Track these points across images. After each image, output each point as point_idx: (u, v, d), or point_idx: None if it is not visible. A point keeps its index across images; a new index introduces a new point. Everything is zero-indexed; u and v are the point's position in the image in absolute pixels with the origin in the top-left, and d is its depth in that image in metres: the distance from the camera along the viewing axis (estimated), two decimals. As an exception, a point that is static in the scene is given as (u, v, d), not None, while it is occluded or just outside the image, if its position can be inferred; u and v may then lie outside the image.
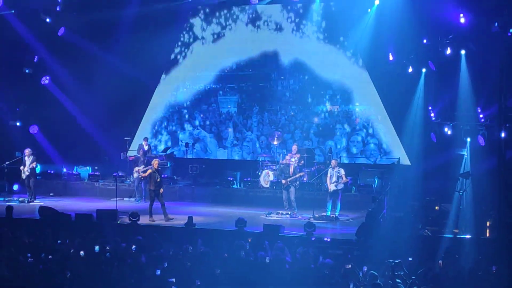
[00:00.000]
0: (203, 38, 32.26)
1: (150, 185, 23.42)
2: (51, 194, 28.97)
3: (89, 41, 30.88)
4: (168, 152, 30.71)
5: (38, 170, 28.30)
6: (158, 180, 23.31)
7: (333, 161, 24.57)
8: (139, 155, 28.77)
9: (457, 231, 20.76)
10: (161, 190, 23.47)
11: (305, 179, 26.32)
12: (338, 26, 29.98)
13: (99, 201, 26.90)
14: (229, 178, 28.48)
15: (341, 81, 30.34)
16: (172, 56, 32.61)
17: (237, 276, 14.82)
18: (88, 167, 30.48)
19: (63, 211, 22.84)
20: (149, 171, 23.40)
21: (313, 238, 20.11)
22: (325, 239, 20.23)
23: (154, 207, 23.45)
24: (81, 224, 21.44)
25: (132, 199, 27.33)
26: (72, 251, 17.21)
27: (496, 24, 23.02)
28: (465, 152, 24.27)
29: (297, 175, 24.73)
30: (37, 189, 27.64)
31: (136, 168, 27.13)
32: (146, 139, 29.85)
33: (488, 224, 21.14)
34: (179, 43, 32.55)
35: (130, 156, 29.03)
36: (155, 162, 23.55)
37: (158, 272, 15.14)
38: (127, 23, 30.56)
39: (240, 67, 31.75)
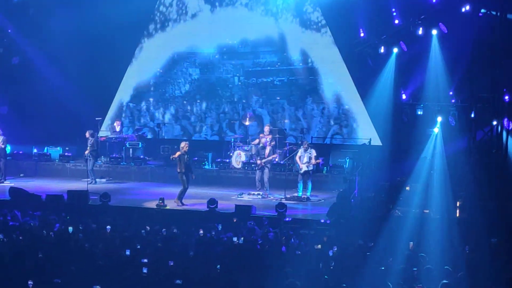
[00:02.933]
0: (173, 19, 32.02)
1: (178, 167, 23.06)
2: (21, 175, 28.74)
3: (59, 20, 30.54)
4: (139, 133, 30.57)
5: (8, 150, 28.10)
6: (187, 161, 22.94)
7: (304, 142, 24.61)
8: (110, 136, 28.73)
9: (427, 211, 20.86)
10: (193, 176, 23.21)
11: (276, 160, 26.33)
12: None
13: (70, 182, 26.73)
14: (194, 159, 28.37)
15: (311, 60, 30.29)
16: (143, 37, 32.34)
17: (211, 257, 14.84)
18: (59, 148, 30.23)
19: (33, 192, 22.72)
20: (178, 153, 22.91)
21: (288, 219, 20.17)
22: (287, 219, 20.31)
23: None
24: (51, 205, 21.32)
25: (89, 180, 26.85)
26: (43, 232, 17.16)
27: (468, 5, 23.14)
28: (435, 131, 24.39)
29: (271, 157, 24.74)
30: (7, 170, 27.41)
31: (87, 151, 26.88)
32: (117, 119, 29.71)
33: (458, 204, 21.28)
34: (150, 24, 32.30)
35: (101, 137, 28.86)
36: (185, 145, 23.14)
37: (128, 252, 15.12)
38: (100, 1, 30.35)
39: (211, 47, 31.60)
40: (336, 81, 30.04)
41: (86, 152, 26.58)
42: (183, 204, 22.47)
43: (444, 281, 12.58)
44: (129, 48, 32.16)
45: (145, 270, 14.12)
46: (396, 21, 26.18)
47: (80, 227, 17.81)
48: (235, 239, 16.65)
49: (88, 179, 26.08)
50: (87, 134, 26.91)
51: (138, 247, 15.84)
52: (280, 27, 30.53)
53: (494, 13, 22.55)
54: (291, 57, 30.49)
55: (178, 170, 22.87)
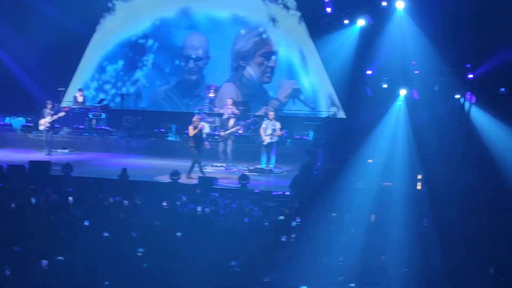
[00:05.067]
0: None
1: (190, 141, 22.99)
2: (-18, 145, 28.45)
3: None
4: (103, 103, 30.35)
5: (-32, 120, 27.83)
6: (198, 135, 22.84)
7: (271, 113, 24.55)
8: (73, 106, 28.52)
9: (390, 183, 20.98)
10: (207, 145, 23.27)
11: (240, 131, 26.29)
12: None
13: (32, 152, 26.49)
14: (155, 130, 28.25)
15: (279, 34, 30.27)
16: (109, 4, 32.02)
17: (174, 228, 14.80)
18: (21, 118, 29.92)
19: (-6, 162, 22.49)
20: (194, 130, 22.76)
21: (257, 191, 20.20)
22: (255, 191, 20.34)
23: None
24: (13, 176, 21.09)
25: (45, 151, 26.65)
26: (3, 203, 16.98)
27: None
28: (399, 103, 24.53)
29: (234, 128, 24.70)
30: (-32, 140, 27.12)
31: (42, 120, 26.61)
32: (80, 90, 29.46)
33: (419, 177, 21.42)
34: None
35: (64, 108, 28.60)
36: (196, 119, 23.07)
37: (87, 223, 15.02)
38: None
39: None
40: (302, 54, 30.00)
41: (45, 121, 26.28)
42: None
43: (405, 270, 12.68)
44: (93, 16, 31.78)
45: (106, 234, 14.09)
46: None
47: (42, 198, 17.66)
48: (199, 209, 16.62)
49: (46, 150, 26.10)
50: (48, 105, 26.63)
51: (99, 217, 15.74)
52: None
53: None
54: (258, 29, 30.44)
55: (191, 144, 22.82)
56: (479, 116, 23.74)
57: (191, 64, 31.47)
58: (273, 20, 30.18)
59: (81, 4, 30.60)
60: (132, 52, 32.04)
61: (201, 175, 22.17)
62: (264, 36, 30.55)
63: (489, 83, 24.06)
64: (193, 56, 31.39)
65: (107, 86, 32.27)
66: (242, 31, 30.95)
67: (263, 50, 30.70)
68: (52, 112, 26.43)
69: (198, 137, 22.80)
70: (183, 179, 21.52)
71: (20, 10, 30.31)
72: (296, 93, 30.23)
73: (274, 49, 30.56)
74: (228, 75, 31.06)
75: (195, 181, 21.47)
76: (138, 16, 31.72)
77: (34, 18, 30.64)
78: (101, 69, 32.31)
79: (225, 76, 31.06)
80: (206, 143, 23.56)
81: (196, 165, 22.63)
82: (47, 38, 30.52)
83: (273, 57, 30.57)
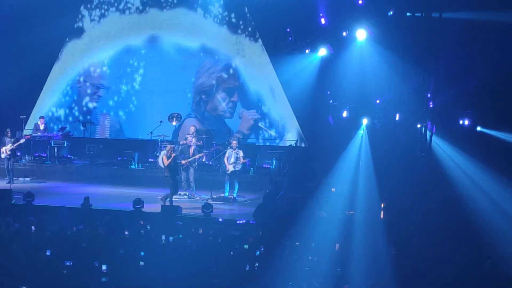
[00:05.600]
0: (99, 16, 31.80)
1: (165, 171, 22.87)
2: None
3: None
4: (64, 131, 30.17)
5: None
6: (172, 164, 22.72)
7: (233, 142, 24.59)
8: (35, 134, 28.32)
9: (352, 212, 21.09)
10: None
11: (203, 159, 26.29)
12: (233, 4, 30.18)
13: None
14: (118, 158, 28.16)
15: (239, 62, 30.41)
16: (71, 32, 31.98)
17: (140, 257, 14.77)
18: (-19, 146, 29.62)
19: (-46, 191, 22.25)
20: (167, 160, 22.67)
21: (220, 219, 20.20)
22: (219, 219, 20.34)
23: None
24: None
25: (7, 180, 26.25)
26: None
27: (392, 10, 23.50)
28: (360, 133, 24.72)
29: (196, 156, 24.68)
30: None
31: (3, 148, 26.33)
32: (42, 117, 29.28)
33: (382, 206, 21.57)
34: (78, 17, 31.99)
35: (26, 135, 28.36)
36: (170, 148, 22.91)
37: (48, 252, 14.91)
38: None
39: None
40: (264, 83, 30.13)
41: (6, 149, 26.04)
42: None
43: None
44: (55, 43, 31.69)
45: (68, 263, 14.03)
46: (323, 20, 26.27)
47: (3, 227, 17.51)
48: (163, 237, 16.59)
49: (7, 178, 25.76)
50: (8, 133, 26.42)
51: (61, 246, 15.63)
52: (208, 30, 30.57)
53: (419, 14, 23.01)
54: (220, 59, 30.56)
55: (166, 174, 22.73)
56: (440, 145, 24.01)
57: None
58: (241, 52, 30.27)
59: (44, 31, 30.45)
60: (94, 79, 31.90)
61: (168, 204, 22.10)
62: (229, 70, 30.63)
63: (449, 112, 24.36)
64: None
65: (69, 114, 32.05)
66: (206, 64, 31.02)
67: (226, 85, 30.78)
68: (13, 140, 26.21)
69: (173, 166, 22.68)
70: (185, 211, 21.49)
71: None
72: (257, 123, 30.32)
73: (237, 84, 30.66)
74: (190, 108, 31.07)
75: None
76: (103, 43, 31.64)
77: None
78: (64, 96, 32.10)
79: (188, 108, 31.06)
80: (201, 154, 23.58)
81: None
82: (9, 66, 30.35)
83: (236, 93, 30.66)
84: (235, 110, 30.59)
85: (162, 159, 23.11)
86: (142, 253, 14.50)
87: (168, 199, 22.32)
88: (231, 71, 30.60)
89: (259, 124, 30.21)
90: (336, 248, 16.56)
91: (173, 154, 22.62)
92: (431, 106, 23.71)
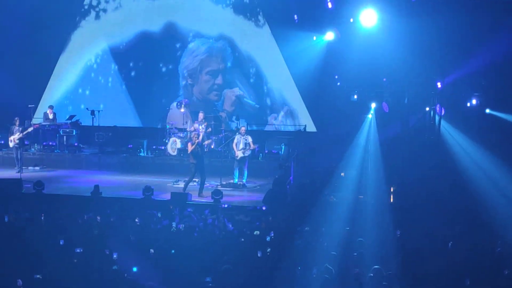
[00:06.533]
0: (109, 3, 31.79)
1: (190, 158, 22.75)
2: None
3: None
4: (73, 120, 30.19)
5: None
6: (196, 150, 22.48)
7: (242, 128, 24.54)
8: (44, 123, 28.36)
9: (362, 197, 21.09)
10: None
11: (212, 146, 26.30)
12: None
13: (2, 170, 26.28)
14: (129, 146, 28.23)
15: (247, 47, 30.39)
16: (77, 20, 31.97)
17: (149, 244, 14.78)
18: (-10, 136, 29.74)
19: (-36, 181, 22.33)
20: (191, 146, 22.51)
21: (225, 205, 20.18)
22: (223, 205, 20.34)
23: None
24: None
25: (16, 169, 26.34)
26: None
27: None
28: (369, 117, 24.69)
29: (205, 143, 24.67)
30: None
31: (12, 137, 26.40)
32: (51, 107, 29.30)
33: (392, 190, 21.57)
34: (85, 6, 32.00)
35: (34, 124, 28.40)
36: (194, 135, 22.89)
37: (62, 242, 14.95)
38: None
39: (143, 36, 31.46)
40: (271, 68, 30.11)
41: (14, 138, 26.08)
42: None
43: (376, 267, 12.72)
44: (63, 32, 31.72)
45: (78, 250, 14.09)
46: (329, 4, 26.19)
47: (14, 216, 17.56)
48: (173, 224, 16.61)
49: (17, 168, 25.86)
50: (16, 122, 26.46)
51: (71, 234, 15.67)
52: (216, 14, 30.51)
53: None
54: (228, 46, 30.54)
55: (191, 161, 22.64)
56: (448, 128, 23.97)
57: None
58: (244, 34, 30.25)
59: (51, 20, 30.51)
60: (100, 68, 31.93)
61: (203, 194, 22.04)
62: (211, 52, 30.73)
63: (457, 94, 24.31)
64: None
65: (78, 101, 32.09)
66: (192, 47, 31.04)
67: (209, 68, 30.80)
68: (21, 129, 26.24)
69: (198, 152, 22.64)
70: (195, 198, 21.49)
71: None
72: (239, 98, 30.33)
73: (221, 67, 30.67)
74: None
75: (208, 197, 21.44)
76: (108, 32, 31.64)
77: (2, 35, 30.49)
78: (71, 85, 32.14)
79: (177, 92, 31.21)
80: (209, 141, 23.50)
81: (184, 180, 22.60)
82: (17, 55, 30.43)
83: (220, 75, 30.66)
84: (221, 93, 30.64)
85: (187, 145, 23.04)
86: (152, 250, 14.51)
87: (199, 187, 22.26)
88: (215, 53, 30.61)
89: (244, 99, 30.19)
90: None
91: (197, 140, 22.53)
92: (439, 87, 23.64)
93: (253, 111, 30.10)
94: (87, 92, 32.12)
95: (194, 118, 27.68)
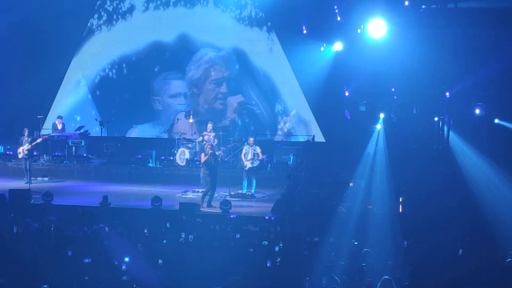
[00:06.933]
0: (118, 15, 31.86)
1: (203, 168, 22.93)
2: (-39, 174, 28.24)
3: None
4: (82, 130, 30.25)
5: None
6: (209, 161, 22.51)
7: (250, 138, 24.57)
8: (53, 134, 28.42)
9: (371, 207, 21.07)
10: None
11: (221, 156, 26.29)
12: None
13: (11, 181, 26.33)
14: (138, 156, 28.27)
15: (253, 57, 30.42)
16: (85, 33, 32.03)
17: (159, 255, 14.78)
18: (0, 147, 29.80)
19: (-26, 191, 22.35)
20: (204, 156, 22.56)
21: (232, 216, 20.16)
22: (231, 216, 20.31)
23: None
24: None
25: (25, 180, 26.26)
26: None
27: (407, 1, 23.39)
28: (377, 128, 24.67)
29: (217, 153, 24.65)
30: None
31: (20, 148, 26.43)
32: (60, 117, 29.37)
33: (400, 200, 21.53)
34: (93, 19, 32.05)
35: (43, 135, 28.47)
36: (207, 145, 22.92)
37: (70, 253, 14.94)
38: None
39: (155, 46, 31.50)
40: (280, 79, 30.13)
41: (23, 149, 26.15)
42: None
43: (386, 277, 12.68)
44: (71, 44, 31.80)
45: (86, 260, 14.09)
46: (338, 18, 26.33)
47: (22, 227, 17.56)
48: (182, 235, 16.59)
49: (26, 178, 25.89)
50: (25, 133, 26.52)
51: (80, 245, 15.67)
52: (223, 24, 30.55)
53: (434, 6, 22.93)
54: (233, 54, 30.54)
55: (204, 172, 22.72)
56: (457, 137, 23.93)
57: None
58: (252, 44, 30.29)
59: (60, 31, 30.63)
60: (108, 78, 31.99)
61: (212, 204, 22.02)
62: (215, 61, 30.82)
63: (465, 104, 24.28)
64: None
65: (86, 112, 32.12)
66: (195, 55, 31.11)
67: (214, 77, 30.86)
68: (30, 139, 26.31)
69: (211, 163, 22.64)
70: (204, 209, 21.49)
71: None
72: (242, 105, 30.35)
73: (225, 75, 30.71)
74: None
75: (216, 210, 21.40)
76: (118, 42, 31.70)
77: (11, 45, 30.62)
78: (80, 95, 32.19)
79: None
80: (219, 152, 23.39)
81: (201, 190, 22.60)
82: (26, 66, 30.54)
83: (224, 83, 30.72)
84: (226, 101, 30.66)
85: (200, 156, 23.07)
86: (160, 261, 14.51)
87: (208, 197, 22.23)
88: (219, 61, 30.70)
89: (247, 105, 30.20)
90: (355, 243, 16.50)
91: (210, 151, 22.54)
92: (447, 97, 23.62)
93: (261, 119, 29.99)
94: (96, 103, 32.10)
95: (200, 128, 27.72)
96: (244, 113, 30.21)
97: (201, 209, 21.47)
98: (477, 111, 23.79)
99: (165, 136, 30.80)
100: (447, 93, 23.64)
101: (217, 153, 24.59)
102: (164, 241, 16.37)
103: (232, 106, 30.50)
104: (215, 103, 30.87)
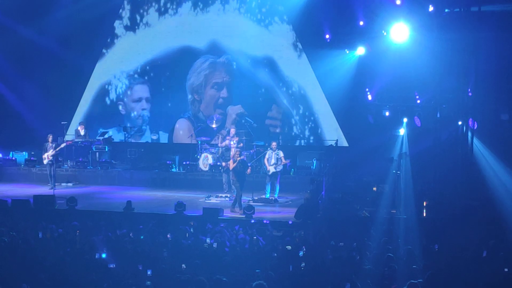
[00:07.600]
0: (142, 21, 31.95)
1: (231, 175, 23.15)
2: (-14, 180, 28.45)
3: (22, 23, 30.36)
4: (105, 136, 30.40)
5: (-28, 156, 27.88)
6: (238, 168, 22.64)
7: (273, 143, 24.58)
8: (76, 140, 28.58)
9: (394, 211, 21.00)
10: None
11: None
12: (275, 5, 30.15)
13: (36, 186, 26.48)
14: (168, 162, 28.36)
15: (277, 63, 30.38)
16: (109, 39, 32.17)
17: (183, 260, 14.78)
18: (24, 152, 29.95)
19: (-1, 197, 22.51)
20: (232, 163, 22.72)
21: (253, 221, 20.14)
22: (264, 221, 20.28)
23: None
24: (18, 210, 21.09)
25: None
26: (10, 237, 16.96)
27: (431, 5, 23.28)
28: (401, 132, 24.57)
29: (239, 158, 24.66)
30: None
31: (45, 154, 26.61)
32: (82, 123, 29.52)
33: (424, 204, 21.44)
34: (116, 25, 32.15)
35: (67, 141, 28.63)
36: (236, 152, 23.09)
37: (98, 255, 15.01)
38: (63, 5, 30.25)
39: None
40: (302, 83, 30.10)
41: (48, 155, 26.32)
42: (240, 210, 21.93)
43: (412, 281, 12.61)
44: (94, 50, 31.95)
45: (111, 265, 14.12)
46: (361, 23, 26.29)
47: (47, 232, 17.65)
48: (207, 240, 16.60)
49: (50, 184, 26.05)
50: (49, 139, 26.68)
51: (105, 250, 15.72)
52: (246, 31, 30.54)
53: (457, 10, 22.81)
54: (257, 60, 30.49)
55: (232, 178, 22.94)
56: (481, 143, 23.78)
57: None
58: (277, 54, 30.25)
59: (82, 38, 30.83)
60: (133, 84, 32.09)
61: (238, 208, 22.03)
62: (215, 66, 30.85)
63: (490, 109, 24.16)
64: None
65: (109, 119, 32.23)
66: (196, 62, 31.16)
67: (214, 80, 30.86)
68: (54, 145, 26.47)
69: (239, 170, 22.63)
70: (226, 212, 21.53)
71: (21, 44, 30.49)
72: (240, 117, 30.31)
73: (226, 79, 30.71)
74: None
75: (239, 215, 21.45)
76: (140, 48, 31.80)
77: (36, 53, 30.85)
78: (103, 102, 32.33)
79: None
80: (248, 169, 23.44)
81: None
82: (49, 73, 30.73)
83: (225, 88, 30.72)
84: (226, 107, 30.71)
85: (228, 163, 23.20)
86: (184, 266, 14.51)
87: (237, 203, 22.23)
88: (219, 67, 30.82)
89: (245, 118, 30.13)
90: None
91: (239, 158, 22.60)
92: (470, 101, 23.49)
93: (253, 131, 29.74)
94: (120, 108, 32.20)
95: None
96: (243, 122, 30.03)
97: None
98: (505, 116, 23.67)
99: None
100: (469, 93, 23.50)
101: (240, 158, 24.61)
102: (189, 242, 16.44)
103: (231, 117, 30.47)
104: (216, 110, 30.77)
